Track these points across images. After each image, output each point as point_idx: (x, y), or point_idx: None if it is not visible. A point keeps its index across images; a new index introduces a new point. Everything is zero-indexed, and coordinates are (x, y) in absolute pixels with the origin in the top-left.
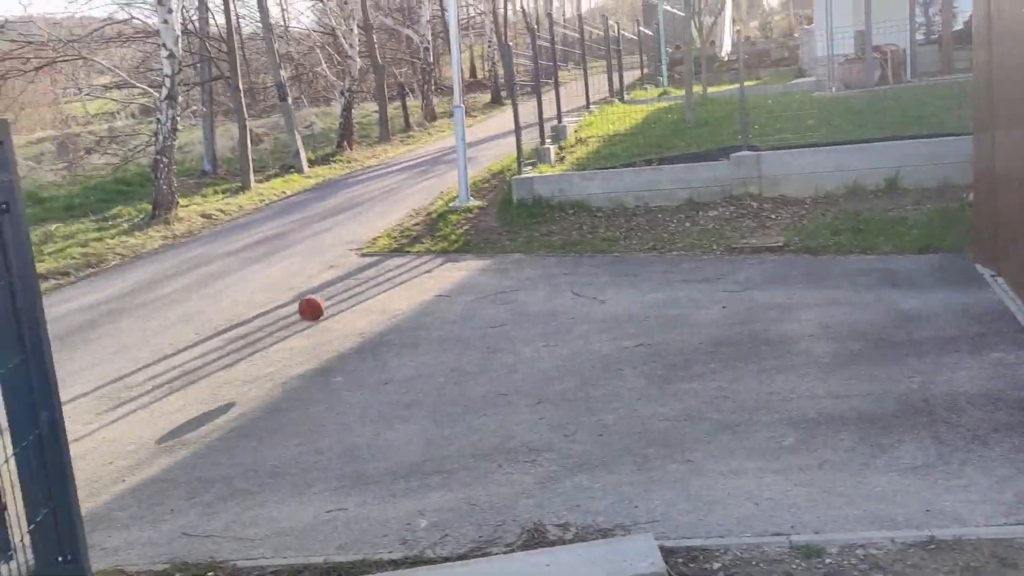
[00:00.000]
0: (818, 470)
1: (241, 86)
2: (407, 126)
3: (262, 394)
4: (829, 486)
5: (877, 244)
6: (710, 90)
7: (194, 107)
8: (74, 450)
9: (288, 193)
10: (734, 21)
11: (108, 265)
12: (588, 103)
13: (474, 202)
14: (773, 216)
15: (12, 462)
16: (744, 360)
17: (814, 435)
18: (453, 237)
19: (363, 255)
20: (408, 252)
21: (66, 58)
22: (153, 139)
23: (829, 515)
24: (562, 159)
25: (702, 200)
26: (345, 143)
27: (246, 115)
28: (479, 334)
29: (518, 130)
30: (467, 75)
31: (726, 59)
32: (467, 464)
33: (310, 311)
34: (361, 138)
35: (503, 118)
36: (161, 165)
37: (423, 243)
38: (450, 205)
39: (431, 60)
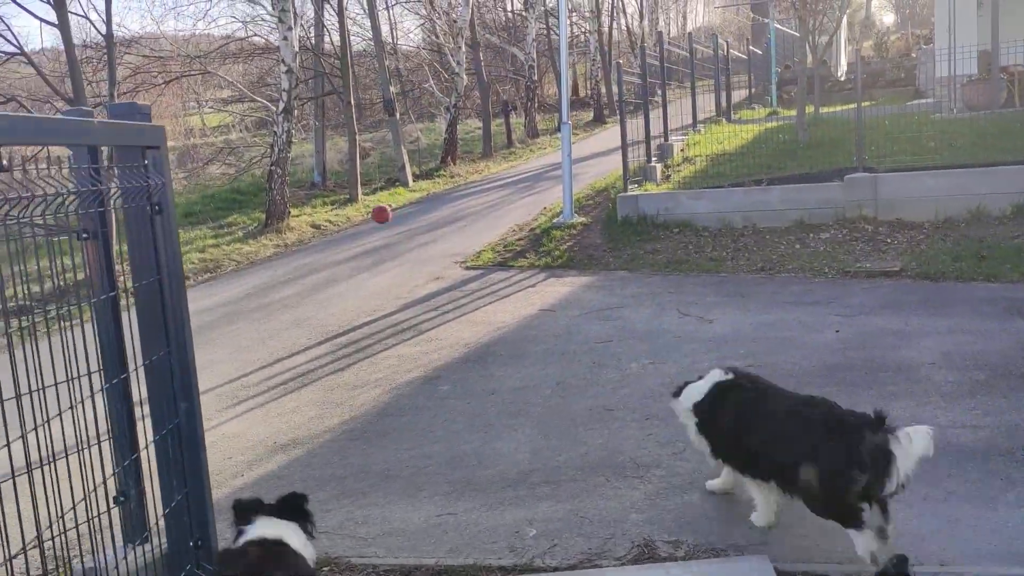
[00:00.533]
0: (943, 502)
1: (352, 101)
2: (509, 143)
3: (372, 399)
4: (956, 518)
5: (1002, 272)
6: (823, 110)
7: (306, 121)
8: None
9: (394, 206)
10: (848, 41)
11: (224, 271)
12: (695, 122)
13: (578, 218)
14: (889, 240)
15: (152, 449)
16: (861, 386)
17: (938, 465)
18: (557, 253)
19: (467, 268)
20: (512, 266)
21: (191, 73)
22: (268, 151)
23: (955, 548)
24: (668, 178)
25: (813, 222)
26: (449, 158)
27: (356, 129)
28: (584, 349)
29: (624, 147)
30: (570, 93)
31: (841, 78)
32: (575, 476)
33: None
34: (464, 154)
35: (606, 136)
36: (275, 176)
37: (527, 258)
38: (554, 221)
39: (535, 78)
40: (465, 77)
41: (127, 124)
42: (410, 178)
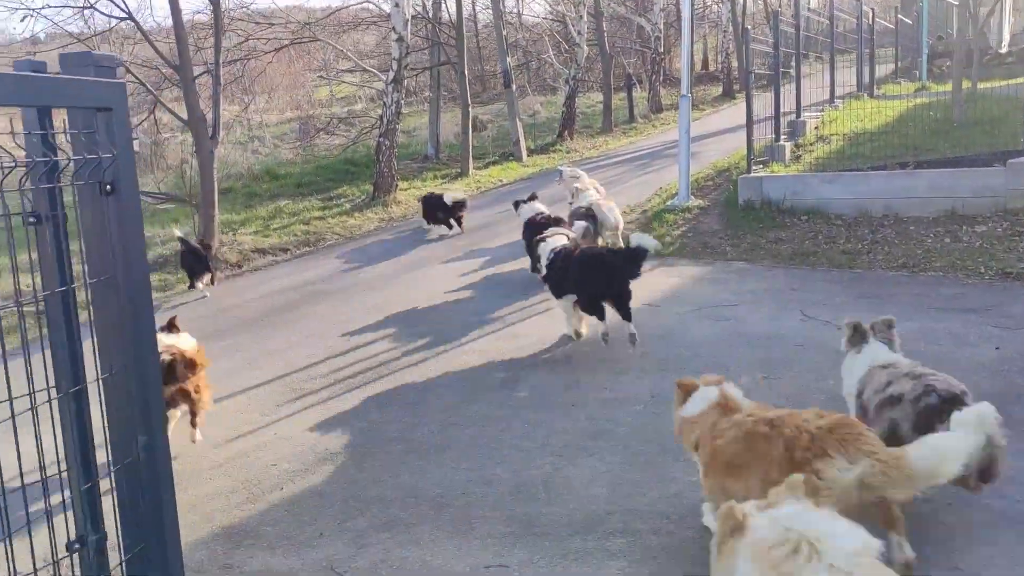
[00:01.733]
0: None
1: (467, 72)
2: (631, 117)
3: (440, 402)
4: None
5: None
6: (980, 86)
7: (426, 93)
8: (247, 443)
9: (504, 181)
10: (1014, 12)
11: (324, 244)
12: (832, 97)
13: (694, 201)
14: None
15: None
16: None
17: None
18: (668, 239)
19: None
20: None
21: (301, 40)
22: (378, 122)
23: None
24: (798, 158)
25: (967, 212)
26: (566, 132)
27: (469, 101)
28: (688, 355)
29: (750, 122)
30: (699, 67)
31: (1003, 51)
32: (659, 525)
33: None
34: (583, 128)
35: (733, 112)
36: (383, 148)
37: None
38: (668, 203)
39: (661, 50)
40: (586, 48)
41: (67, 79)
42: (524, 153)
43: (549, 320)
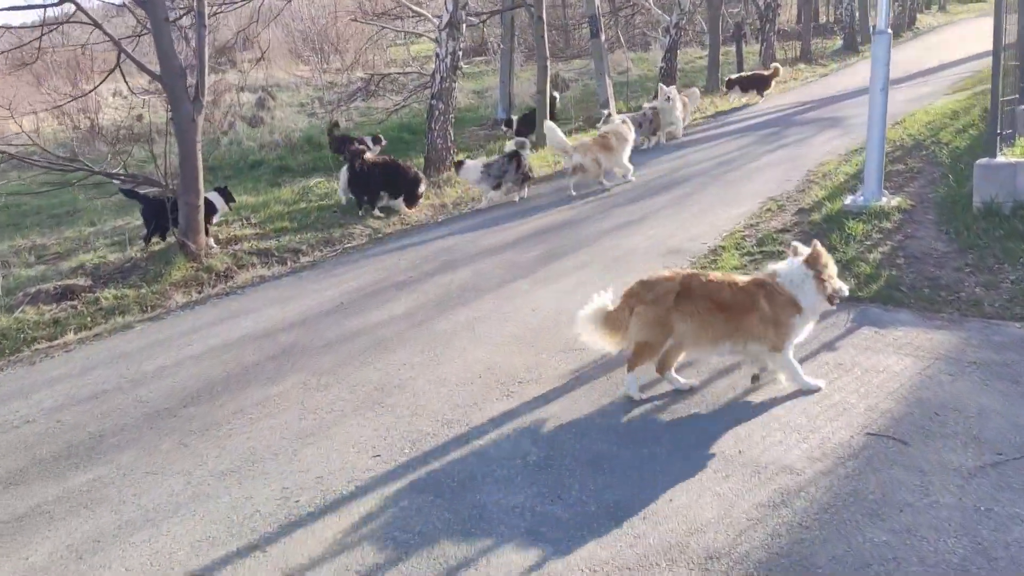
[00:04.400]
0: None
1: (545, 16)
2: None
3: None
4: None
5: None
6: None
7: (494, 42)
8: None
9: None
10: None
11: (350, 243)
12: None
13: (891, 199)
14: None
15: None
16: None
17: None
18: (864, 268)
19: None
20: None
21: None
22: (430, 80)
23: None
24: None
25: None
26: None
27: (547, 53)
28: None
29: (997, 60)
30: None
31: None
32: None
33: None
34: (683, 87)
35: (864, 69)
36: (436, 112)
37: None
38: (847, 202)
39: None
40: None
41: None
42: (616, 116)
43: (680, 462)
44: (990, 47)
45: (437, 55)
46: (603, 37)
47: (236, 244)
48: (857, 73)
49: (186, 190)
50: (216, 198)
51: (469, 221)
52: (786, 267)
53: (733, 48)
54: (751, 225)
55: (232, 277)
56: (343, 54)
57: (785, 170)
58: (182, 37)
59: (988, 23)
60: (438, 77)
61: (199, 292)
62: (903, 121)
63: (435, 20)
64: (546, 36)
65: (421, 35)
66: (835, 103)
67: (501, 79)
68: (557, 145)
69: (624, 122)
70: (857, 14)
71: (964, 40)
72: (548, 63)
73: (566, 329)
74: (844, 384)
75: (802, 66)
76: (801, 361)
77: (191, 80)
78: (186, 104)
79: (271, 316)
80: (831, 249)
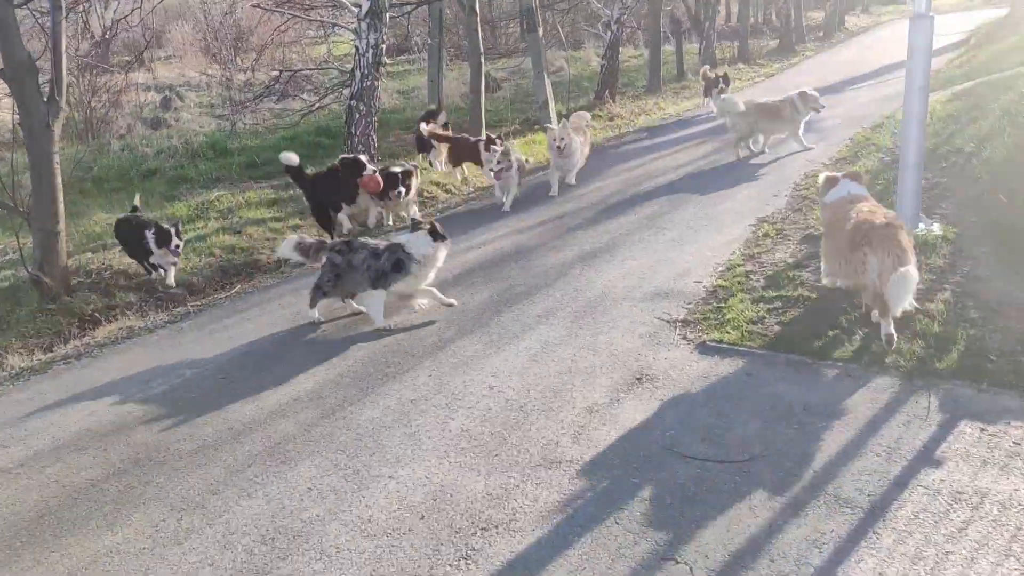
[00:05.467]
0: None
1: (478, 8)
2: (680, 73)
3: None
4: None
5: None
6: None
7: (419, 39)
8: None
9: (530, 163)
10: None
11: (241, 285)
12: None
13: (928, 225)
14: None
15: None
16: None
17: None
18: (931, 325)
19: (703, 349)
20: (807, 354)
21: None
22: (349, 78)
23: None
24: None
25: None
26: (607, 93)
27: (481, 48)
28: None
29: None
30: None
31: None
32: None
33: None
34: (622, 87)
35: (809, 70)
36: (357, 115)
37: (842, 332)
38: None
39: None
40: None
41: None
42: (554, 119)
43: None
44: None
45: (357, 49)
46: (541, 32)
47: (113, 277)
48: (803, 73)
49: (40, 212)
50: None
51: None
52: None
53: (671, 46)
54: (751, 256)
55: (97, 325)
56: (259, 51)
57: (768, 183)
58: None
59: None
60: (358, 74)
61: (46, 352)
62: (883, 124)
63: (354, 8)
64: (479, 28)
65: (336, 25)
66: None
67: (430, 77)
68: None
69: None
70: (792, 14)
71: (900, 41)
72: (482, 59)
73: (541, 422)
74: (989, 539)
75: (742, 66)
76: (898, 487)
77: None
78: (39, 106)
79: (129, 394)
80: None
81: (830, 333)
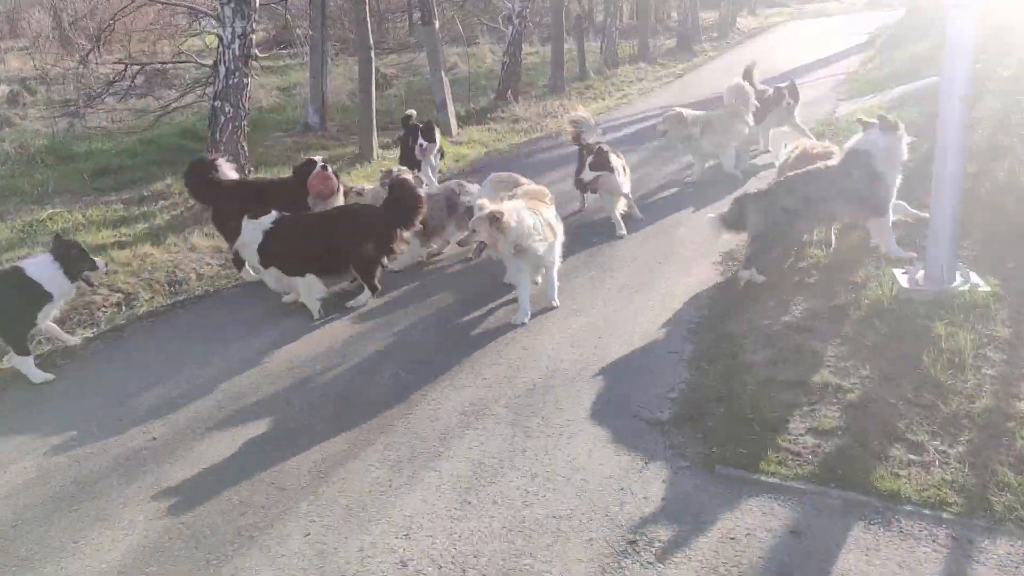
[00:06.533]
0: None
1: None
2: (582, 73)
3: None
4: None
5: None
6: None
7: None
8: None
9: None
10: None
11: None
12: None
13: (966, 278)
14: None
15: None
16: None
17: None
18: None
19: (715, 478)
20: (871, 490)
21: None
22: (211, 72)
23: None
24: None
25: None
26: (509, 93)
27: (371, 42)
28: None
29: None
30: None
31: None
32: None
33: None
34: (522, 86)
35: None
36: (222, 117)
37: (896, 436)
38: (902, 281)
39: None
40: None
41: None
42: (454, 123)
43: None
44: (828, 51)
45: (220, 40)
46: (437, 24)
47: None
48: (705, 75)
49: None
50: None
51: (250, 311)
52: None
53: (570, 44)
54: (730, 308)
55: None
56: (98, 39)
57: (721, 206)
58: None
59: (805, 26)
60: (222, 69)
61: None
62: (831, 127)
63: None
64: (368, 18)
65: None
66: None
67: (312, 74)
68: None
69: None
70: (689, 15)
71: (801, 41)
72: (372, 54)
73: None
74: None
75: (643, 65)
76: None
77: None
78: None
79: None
80: (921, 382)
81: (894, 451)
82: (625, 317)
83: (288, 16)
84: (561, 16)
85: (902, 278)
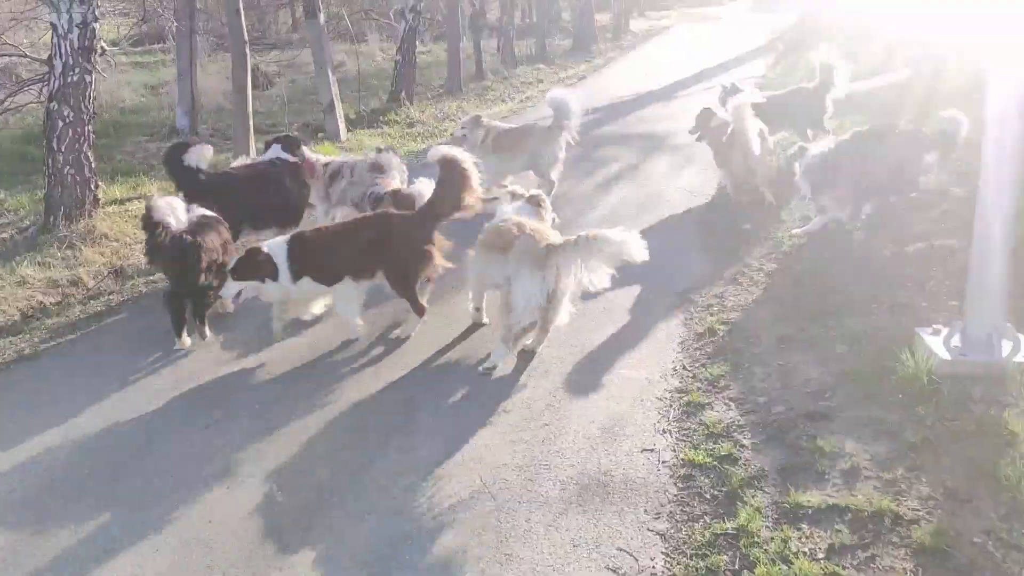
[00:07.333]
0: None
1: None
2: (479, 73)
3: None
4: None
5: None
6: None
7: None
8: None
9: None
10: None
11: None
12: None
13: (1019, 344)
14: None
15: None
16: None
17: None
18: None
19: None
20: None
21: None
22: (46, 68)
23: None
24: None
25: None
26: (404, 94)
27: (246, 36)
28: None
29: None
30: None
31: None
32: None
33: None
34: (417, 87)
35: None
36: (60, 121)
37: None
38: (938, 352)
39: None
40: None
41: None
42: (342, 127)
43: None
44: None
45: (55, 29)
46: (323, 18)
47: None
48: (611, 77)
49: None
50: None
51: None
52: None
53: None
54: (708, 385)
55: None
56: None
57: (663, 234)
58: None
59: (699, 29)
60: (59, 65)
61: None
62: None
63: None
64: (243, 13)
65: None
66: (629, 113)
67: (180, 72)
68: None
69: None
70: (584, 16)
71: (698, 43)
72: (248, 49)
73: None
74: None
75: (542, 66)
76: None
77: None
78: None
79: None
80: (1012, 506)
81: None
82: (580, 397)
83: (146, 4)
84: (457, 11)
85: (936, 344)
